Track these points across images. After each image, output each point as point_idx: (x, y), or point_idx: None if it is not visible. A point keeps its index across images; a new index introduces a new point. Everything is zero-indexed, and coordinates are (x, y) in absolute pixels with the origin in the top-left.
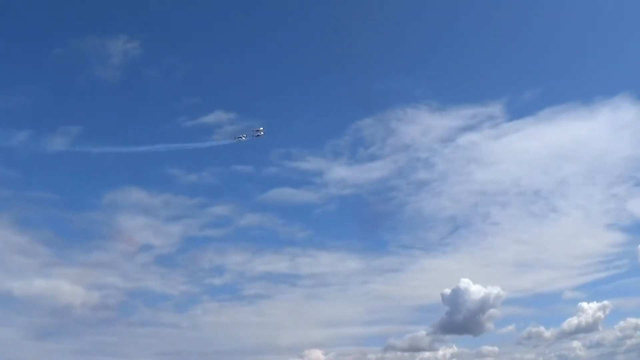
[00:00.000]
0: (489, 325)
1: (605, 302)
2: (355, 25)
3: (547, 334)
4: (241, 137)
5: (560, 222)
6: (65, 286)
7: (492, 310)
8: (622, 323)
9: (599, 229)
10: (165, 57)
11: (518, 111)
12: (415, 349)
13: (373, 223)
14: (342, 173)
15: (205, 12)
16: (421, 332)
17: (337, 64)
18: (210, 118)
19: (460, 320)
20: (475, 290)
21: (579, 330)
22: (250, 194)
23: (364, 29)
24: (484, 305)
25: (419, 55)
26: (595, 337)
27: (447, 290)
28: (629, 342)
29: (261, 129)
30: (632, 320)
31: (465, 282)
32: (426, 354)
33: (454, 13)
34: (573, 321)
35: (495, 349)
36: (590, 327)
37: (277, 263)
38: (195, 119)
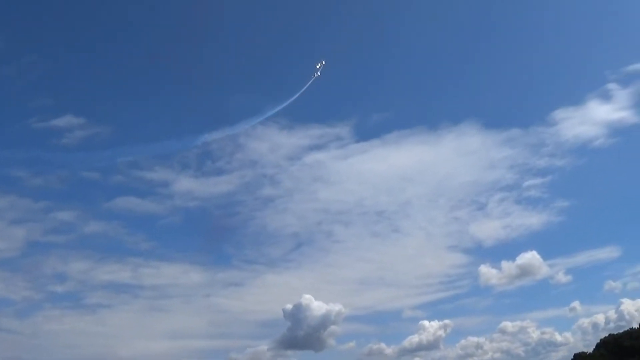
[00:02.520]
0: (330, 342)
1: (447, 320)
2: (210, 41)
3: (389, 350)
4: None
5: (403, 243)
6: None
7: (333, 327)
8: (463, 341)
9: (441, 250)
10: (24, 55)
11: (365, 133)
12: None
13: (218, 237)
14: (188, 185)
15: (68, 15)
16: (262, 347)
17: (190, 77)
18: (61, 122)
19: (301, 335)
20: (317, 306)
21: (420, 348)
22: (95, 201)
23: (218, 45)
24: (325, 321)
25: (270, 73)
26: (436, 354)
27: (289, 306)
28: None
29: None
30: (473, 339)
31: (307, 298)
32: None
33: (307, 34)
34: (414, 339)
35: None
36: (432, 345)
37: (119, 273)
38: (46, 121)
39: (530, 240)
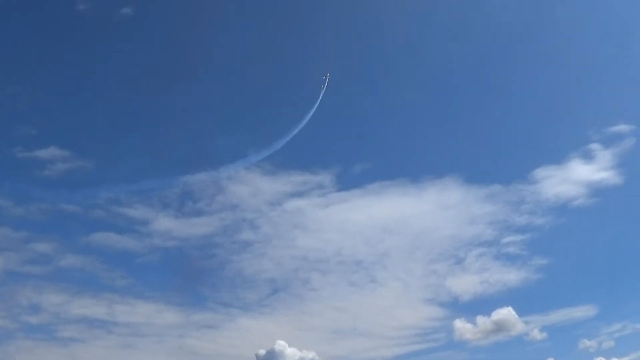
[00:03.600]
0: None
1: None
2: (197, 82)
3: None
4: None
5: (380, 293)
6: None
7: None
8: None
9: (417, 303)
10: (10, 84)
11: (347, 183)
12: None
13: (194, 277)
14: (168, 224)
15: (55, 48)
16: None
17: (176, 117)
18: (44, 153)
19: None
20: (291, 353)
21: None
22: (74, 234)
23: (205, 86)
24: None
25: (256, 119)
26: None
27: (262, 351)
28: None
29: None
30: None
31: (280, 344)
32: None
33: (292, 81)
34: None
35: None
36: None
37: (94, 307)
38: (29, 151)
39: (507, 297)
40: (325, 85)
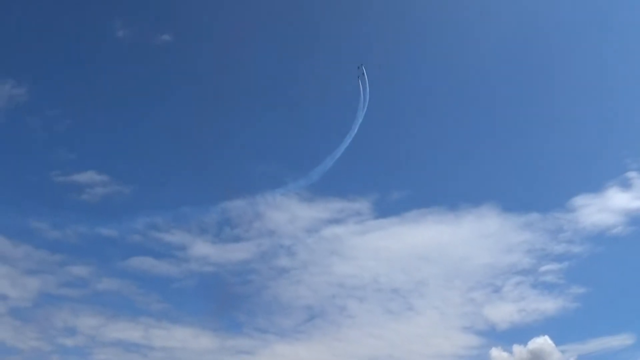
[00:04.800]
0: None
1: None
2: (233, 108)
3: None
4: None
5: (416, 321)
6: None
7: None
8: None
9: (454, 331)
10: (49, 109)
11: (385, 210)
12: None
13: (231, 303)
14: (205, 250)
15: (95, 72)
16: None
17: (214, 142)
18: (83, 177)
19: None
20: None
21: None
22: (111, 258)
23: (241, 113)
24: None
25: (294, 145)
26: None
27: None
28: None
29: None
30: None
31: None
32: None
33: (329, 109)
34: None
35: None
36: None
37: (130, 331)
38: (67, 175)
39: (544, 325)
40: (363, 76)
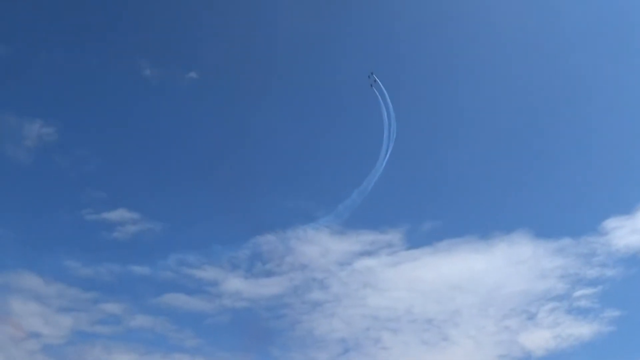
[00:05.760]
0: None
1: None
2: (261, 144)
3: None
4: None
5: (452, 351)
6: None
7: None
8: None
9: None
10: (79, 148)
11: (416, 241)
12: None
13: (264, 338)
14: (237, 285)
15: (122, 110)
16: None
17: (243, 178)
18: (113, 215)
19: None
20: None
21: None
22: (144, 295)
23: (271, 147)
24: None
25: (323, 178)
26: None
27: None
28: None
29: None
30: None
31: None
32: None
33: (359, 142)
34: None
35: None
36: None
37: None
38: (98, 213)
39: (580, 350)
40: (376, 82)
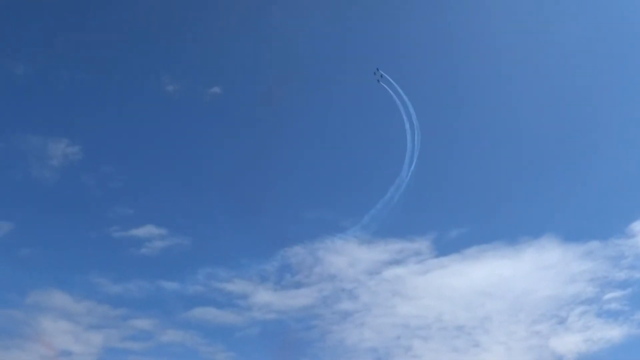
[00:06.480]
0: None
1: None
2: (285, 155)
3: None
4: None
5: (483, 358)
6: None
7: None
8: None
9: None
10: (104, 165)
11: (444, 248)
12: None
13: (295, 349)
14: (267, 298)
15: (146, 127)
16: None
17: (269, 191)
18: (141, 231)
19: None
20: None
21: None
22: (174, 310)
23: (295, 159)
24: None
25: (349, 188)
26: None
27: None
28: None
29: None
30: None
31: None
32: None
33: (384, 151)
34: None
35: None
36: None
37: None
38: (126, 230)
39: (611, 354)
40: (381, 77)
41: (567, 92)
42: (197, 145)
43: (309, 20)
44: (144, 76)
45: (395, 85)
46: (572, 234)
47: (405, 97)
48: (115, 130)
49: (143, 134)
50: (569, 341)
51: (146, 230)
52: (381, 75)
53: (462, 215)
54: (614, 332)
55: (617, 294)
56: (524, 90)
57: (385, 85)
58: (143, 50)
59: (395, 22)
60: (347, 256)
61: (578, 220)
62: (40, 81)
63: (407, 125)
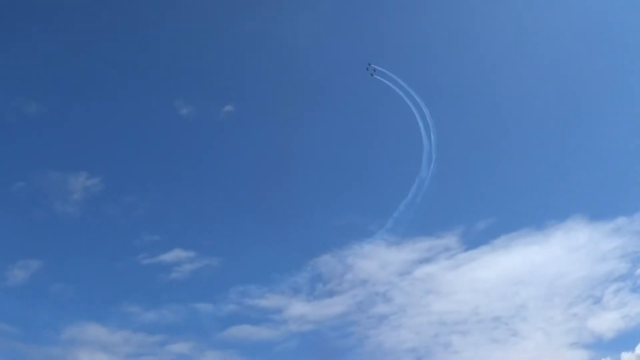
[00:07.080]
0: None
1: None
2: (304, 165)
3: None
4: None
5: (523, 346)
6: None
7: None
8: None
9: (562, 349)
10: (126, 195)
11: (473, 241)
12: None
13: (334, 358)
14: (301, 309)
15: (163, 152)
16: None
17: (291, 204)
18: (169, 256)
19: None
20: None
21: None
22: (210, 331)
23: (314, 169)
24: None
25: (370, 192)
26: None
27: None
28: None
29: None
30: None
31: None
32: None
33: (402, 150)
34: None
35: None
36: None
37: None
38: (154, 256)
39: None
40: (375, 71)
41: (582, 76)
42: (215, 164)
43: (321, 34)
44: (157, 102)
45: (392, 75)
46: (598, 213)
47: (404, 84)
48: (134, 159)
49: (161, 159)
50: (607, 319)
51: (174, 254)
52: (374, 69)
53: (487, 206)
54: None
55: None
56: (537, 76)
57: (381, 78)
58: (154, 77)
59: (410, 25)
60: (377, 259)
61: (602, 198)
62: (54, 116)
63: (420, 120)
